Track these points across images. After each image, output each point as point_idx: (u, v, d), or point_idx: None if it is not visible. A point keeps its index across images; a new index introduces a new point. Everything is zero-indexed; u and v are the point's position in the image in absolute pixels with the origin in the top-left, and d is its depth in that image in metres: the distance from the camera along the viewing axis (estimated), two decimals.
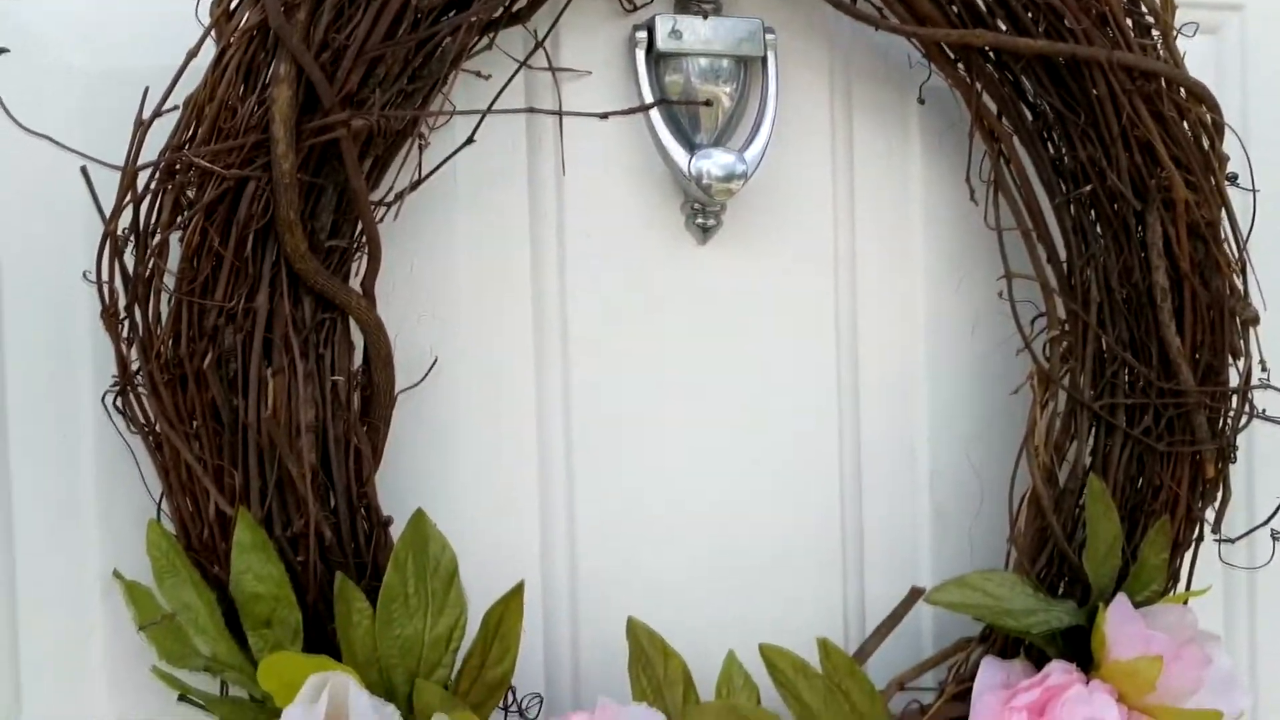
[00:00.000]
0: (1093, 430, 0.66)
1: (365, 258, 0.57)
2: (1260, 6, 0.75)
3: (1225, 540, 0.67)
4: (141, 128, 0.53)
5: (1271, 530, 0.67)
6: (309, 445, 0.54)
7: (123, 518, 0.58)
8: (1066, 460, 0.66)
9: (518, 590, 0.56)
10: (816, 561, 0.68)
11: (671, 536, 0.65)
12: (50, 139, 0.54)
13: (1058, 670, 0.61)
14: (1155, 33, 0.64)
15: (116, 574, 0.56)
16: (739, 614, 0.65)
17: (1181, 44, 0.65)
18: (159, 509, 0.56)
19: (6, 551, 0.58)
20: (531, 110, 0.60)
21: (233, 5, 0.54)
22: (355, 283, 0.57)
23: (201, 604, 0.54)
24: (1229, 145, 0.66)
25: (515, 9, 0.60)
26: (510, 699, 0.59)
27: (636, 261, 0.65)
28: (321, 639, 0.54)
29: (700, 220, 0.65)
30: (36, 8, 0.57)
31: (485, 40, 0.59)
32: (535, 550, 0.63)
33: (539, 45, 0.61)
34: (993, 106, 0.66)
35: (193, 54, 0.54)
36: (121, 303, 0.54)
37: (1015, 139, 0.66)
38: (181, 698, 0.56)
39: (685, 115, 0.64)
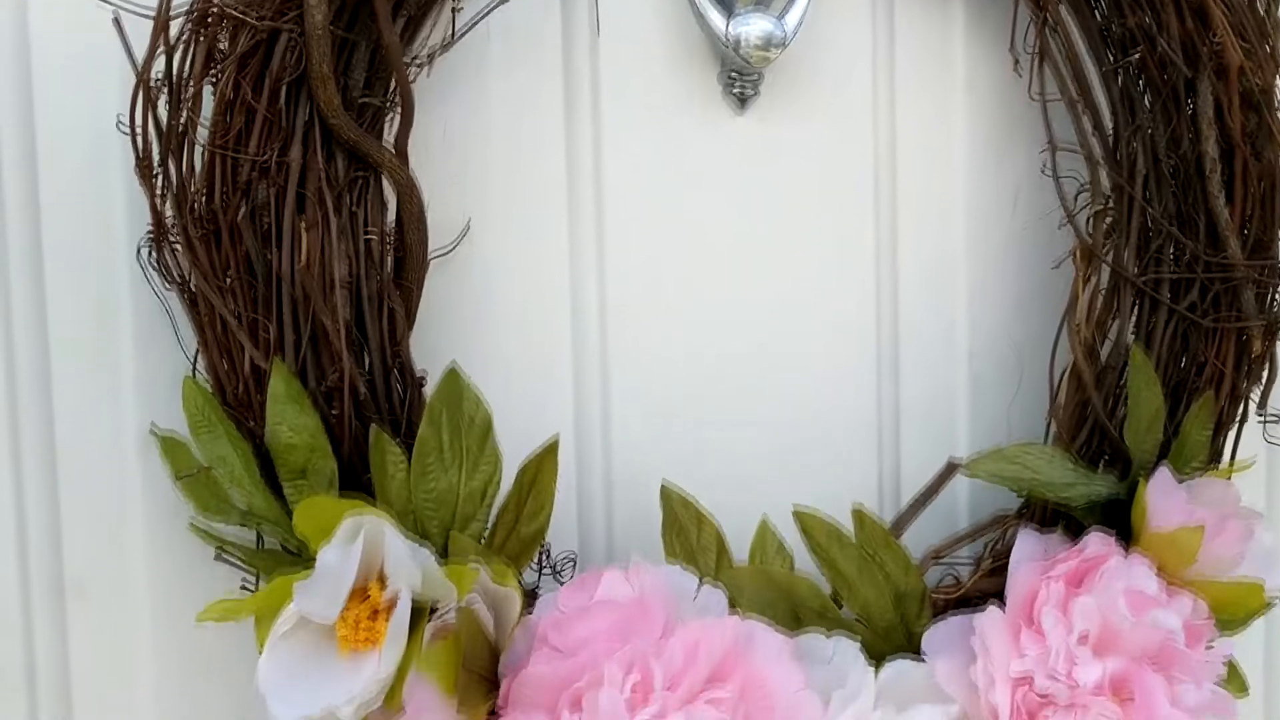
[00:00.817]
0: (1136, 307, 0.65)
1: (398, 117, 0.57)
2: None
3: (1271, 419, 0.66)
4: None
5: None
6: (343, 300, 0.54)
7: (159, 377, 0.58)
8: (1109, 339, 0.65)
9: (552, 447, 0.56)
10: (852, 436, 0.67)
11: (706, 405, 0.65)
12: None
13: (1096, 541, 0.60)
14: None
15: (153, 429, 0.57)
16: (773, 485, 0.65)
17: None
18: (194, 366, 0.56)
19: (45, 411, 0.59)
20: None
21: None
22: (388, 142, 0.57)
23: (237, 457, 0.54)
24: None
25: None
26: (545, 559, 0.59)
27: (672, 129, 0.64)
28: (356, 491, 0.54)
29: (738, 89, 0.64)
30: None
31: None
32: (569, 417, 0.63)
33: None
34: None
35: None
36: (155, 156, 0.54)
37: (1062, 5, 0.64)
38: (219, 555, 0.57)
39: None
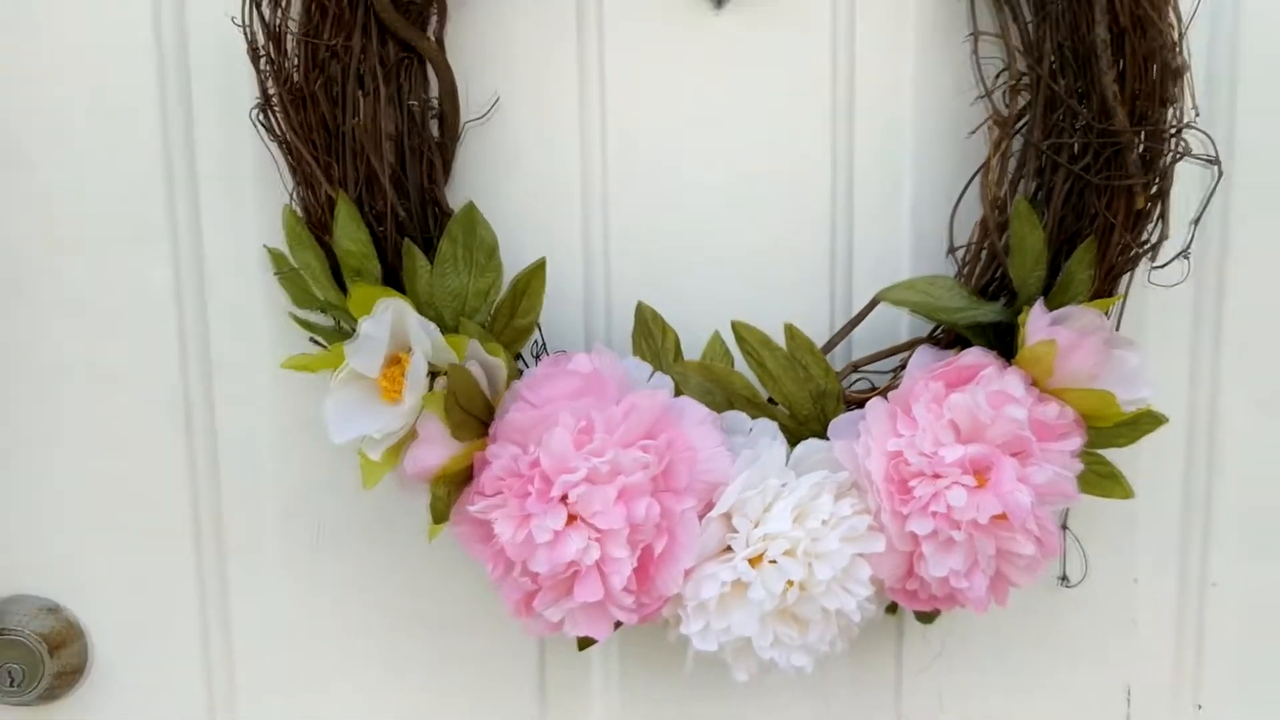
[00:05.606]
0: (1041, 170, 0.78)
1: (437, 13, 0.76)
2: None
3: (1157, 266, 0.78)
4: None
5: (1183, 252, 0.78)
6: (390, 150, 0.74)
7: (272, 208, 0.80)
8: (1019, 195, 0.78)
9: (540, 264, 0.74)
10: (809, 277, 0.84)
11: (689, 247, 0.82)
12: None
13: (975, 352, 0.75)
14: None
15: (266, 247, 0.79)
16: (741, 315, 0.81)
17: None
18: (291, 198, 0.78)
19: (194, 232, 0.82)
20: None
21: None
22: (430, 32, 0.76)
23: (317, 263, 0.75)
24: None
25: None
26: (544, 352, 0.79)
27: (661, 19, 0.80)
28: (396, 289, 0.74)
29: None
30: None
31: None
32: (579, 258, 0.82)
33: None
34: None
35: None
36: (261, 44, 0.75)
37: None
38: (311, 339, 0.79)
39: None
